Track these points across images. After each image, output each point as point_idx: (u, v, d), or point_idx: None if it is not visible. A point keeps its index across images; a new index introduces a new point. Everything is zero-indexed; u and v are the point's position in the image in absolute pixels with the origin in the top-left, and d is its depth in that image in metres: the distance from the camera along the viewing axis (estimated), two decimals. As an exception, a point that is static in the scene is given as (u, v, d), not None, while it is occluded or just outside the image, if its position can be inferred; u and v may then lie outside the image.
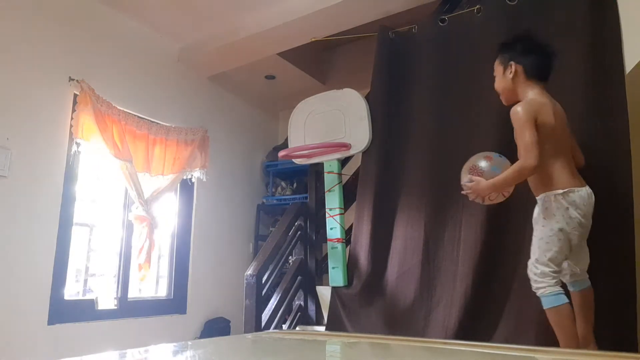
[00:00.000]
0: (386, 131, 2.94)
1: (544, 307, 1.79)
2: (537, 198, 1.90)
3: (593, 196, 1.83)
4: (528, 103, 1.85)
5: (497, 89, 2.03)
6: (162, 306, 3.69)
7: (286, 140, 3.35)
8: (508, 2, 2.57)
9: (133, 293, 3.48)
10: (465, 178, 1.99)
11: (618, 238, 2.07)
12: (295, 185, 4.61)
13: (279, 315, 3.00)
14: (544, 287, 1.78)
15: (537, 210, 1.89)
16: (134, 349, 1.11)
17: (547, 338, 1.89)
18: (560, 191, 1.80)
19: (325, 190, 3.07)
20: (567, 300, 1.77)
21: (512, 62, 1.95)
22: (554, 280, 1.78)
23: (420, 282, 2.56)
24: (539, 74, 1.92)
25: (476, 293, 2.34)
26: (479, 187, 1.91)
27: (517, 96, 1.94)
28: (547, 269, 1.79)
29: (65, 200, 3.02)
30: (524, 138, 1.78)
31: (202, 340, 2.91)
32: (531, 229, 1.93)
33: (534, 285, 1.83)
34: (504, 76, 1.98)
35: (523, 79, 1.93)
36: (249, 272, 2.82)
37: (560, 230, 1.78)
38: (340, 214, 3.02)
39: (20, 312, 2.71)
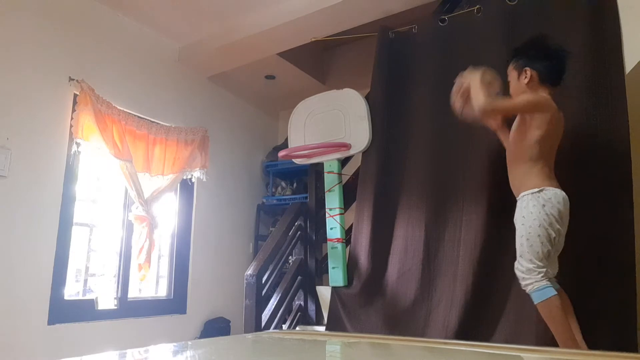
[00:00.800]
0: (386, 131, 2.94)
1: (535, 303, 1.84)
2: (517, 198, 1.97)
3: (568, 202, 1.89)
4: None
5: (512, 94, 2.06)
6: (162, 306, 3.69)
7: (286, 140, 3.35)
8: (508, 2, 2.57)
9: (133, 293, 3.48)
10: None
11: (618, 237, 2.08)
12: (295, 185, 4.61)
13: (279, 315, 3.00)
14: (532, 283, 1.84)
15: (517, 210, 1.96)
16: (134, 349, 1.11)
17: (547, 338, 1.89)
18: (536, 190, 1.88)
19: (325, 190, 3.07)
20: (554, 293, 1.81)
21: (527, 68, 1.98)
22: (540, 275, 1.83)
23: (421, 282, 2.56)
24: (552, 79, 1.97)
25: (476, 293, 2.34)
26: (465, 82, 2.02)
27: None
28: (531, 265, 1.85)
29: (65, 200, 3.02)
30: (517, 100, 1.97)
31: (202, 340, 2.91)
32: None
33: (522, 283, 1.88)
34: (518, 81, 2.02)
35: (537, 84, 1.97)
36: (249, 272, 2.82)
37: (539, 226, 1.85)
38: (340, 214, 3.02)
39: (20, 312, 2.71)
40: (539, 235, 1.85)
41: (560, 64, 1.98)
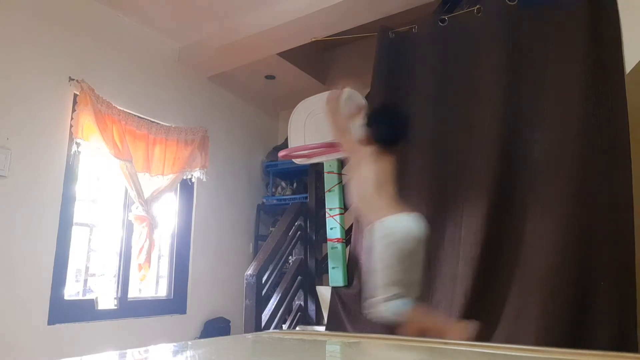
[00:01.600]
0: (386, 131, 2.94)
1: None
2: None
3: (408, 221, 1.86)
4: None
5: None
6: (162, 306, 3.69)
7: (286, 140, 3.34)
8: (508, 2, 2.57)
9: (133, 293, 3.48)
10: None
11: (618, 238, 2.07)
12: (295, 185, 4.61)
13: (279, 315, 3.00)
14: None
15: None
16: (134, 349, 1.11)
17: (547, 338, 1.89)
18: (380, 220, 1.86)
19: (325, 190, 3.07)
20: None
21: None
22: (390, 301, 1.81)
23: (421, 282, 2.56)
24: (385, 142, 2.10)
25: (476, 293, 2.34)
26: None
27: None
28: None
29: (65, 200, 3.02)
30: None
31: (202, 340, 2.91)
32: (530, 229, 1.93)
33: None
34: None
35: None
36: (249, 272, 2.82)
37: (383, 257, 1.82)
38: (340, 214, 3.02)
39: (20, 312, 2.71)
40: (386, 267, 1.82)
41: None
